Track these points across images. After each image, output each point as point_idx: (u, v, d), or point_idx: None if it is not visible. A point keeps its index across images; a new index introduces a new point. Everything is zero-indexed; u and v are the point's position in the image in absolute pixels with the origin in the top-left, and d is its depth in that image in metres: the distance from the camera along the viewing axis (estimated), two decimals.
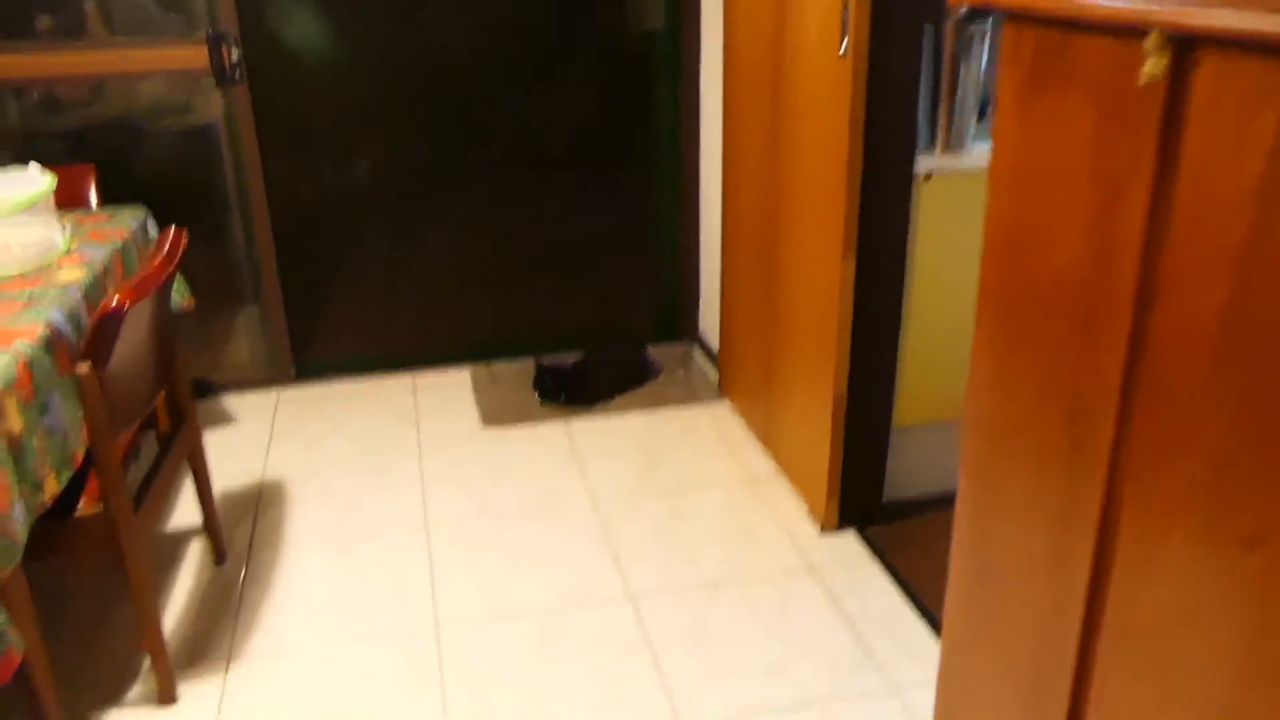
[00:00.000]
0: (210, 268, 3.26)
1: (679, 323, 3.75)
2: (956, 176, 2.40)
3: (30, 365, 1.69)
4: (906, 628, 2.25)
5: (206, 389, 3.39)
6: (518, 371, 3.53)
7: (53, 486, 1.71)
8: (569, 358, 3.39)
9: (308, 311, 3.43)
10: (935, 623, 2.28)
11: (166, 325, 2.15)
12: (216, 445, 3.08)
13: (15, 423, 1.61)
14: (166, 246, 1.98)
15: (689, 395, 3.34)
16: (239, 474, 2.92)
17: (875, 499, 2.66)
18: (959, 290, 2.51)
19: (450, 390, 3.42)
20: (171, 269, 1.93)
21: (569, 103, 3.40)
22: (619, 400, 3.32)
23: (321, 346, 3.48)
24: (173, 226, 2.04)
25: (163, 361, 2.13)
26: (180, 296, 2.53)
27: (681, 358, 3.64)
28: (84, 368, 1.72)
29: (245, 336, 3.42)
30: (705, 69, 3.28)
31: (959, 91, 2.38)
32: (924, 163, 2.37)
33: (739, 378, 3.16)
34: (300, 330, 3.43)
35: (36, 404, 1.70)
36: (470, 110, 3.32)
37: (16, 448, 1.61)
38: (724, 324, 3.25)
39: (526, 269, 3.55)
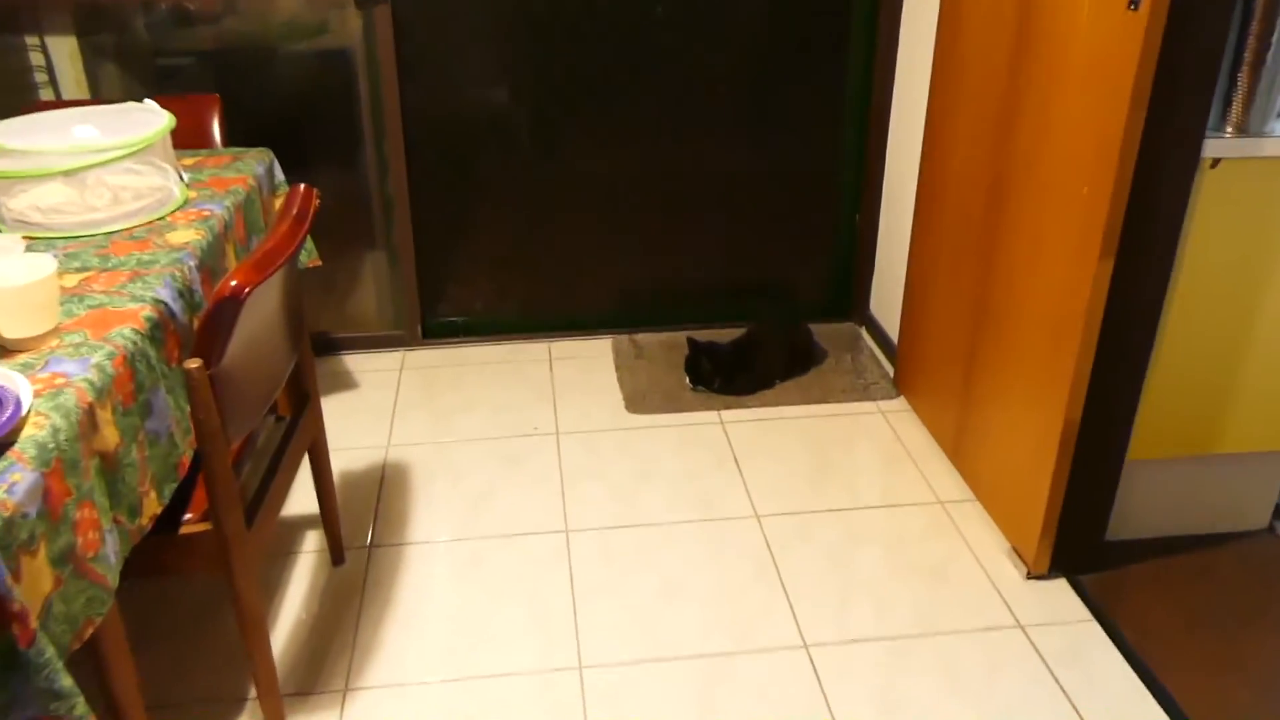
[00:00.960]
0: (337, 207, 2.99)
1: (847, 299, 3.37)
2: (1252, 165, 1.95)
3: (131, 360, 1.39)
4: (1140, 714, 1.88)
5: (325, 345, 3.14)
6: (663, 344, 3.20)
7: (152, 505, 1.43)
8: (724, 335, 3.05)
9: (439, 262, 3.14)
10: (1173, 708, 1.90)
11: (293, 302, 1.85)
12: (336, 414, 2.82)
13: (110, 437, 1.31)
14: (296, 208, 1.65)
15: (859, 388, 2.97)
16: (360, 451, 2.66)
17: (1095, 542, 2.28)
18: (1235, 304, 2.07)
19: (590, 363, 3.11)
20: (301, 238, 1.61)
21: (741, 39, 2.99)
22: (778, 387, 2.96)
23: (452, 303, 3.21)
24: (303, 186, 1.72)
25: (288, 345, 1.83)
26: (307, 256, 2.23)
27: (848, 340, 3.25)
28: (194, 364, 1.42)
29: (370, 287, 3.16)
30: (911, 4, 2.84)
31: (1269, 60, 1.89)
32: (1210, 146, 1.92)
33: (924, 374, 2.77)
34: (430, 283, 3.16)
35: (138, 406, 1.40)
36: (630, 41, 2.94)
37: (112, 466, 1.32)
38: (908, 309, 2.86)
39: (680, 227, 3.21)
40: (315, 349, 3.05)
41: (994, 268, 2.32)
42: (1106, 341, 2.02)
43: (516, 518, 2.40)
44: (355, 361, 3.12)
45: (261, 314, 1.62)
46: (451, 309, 3.22)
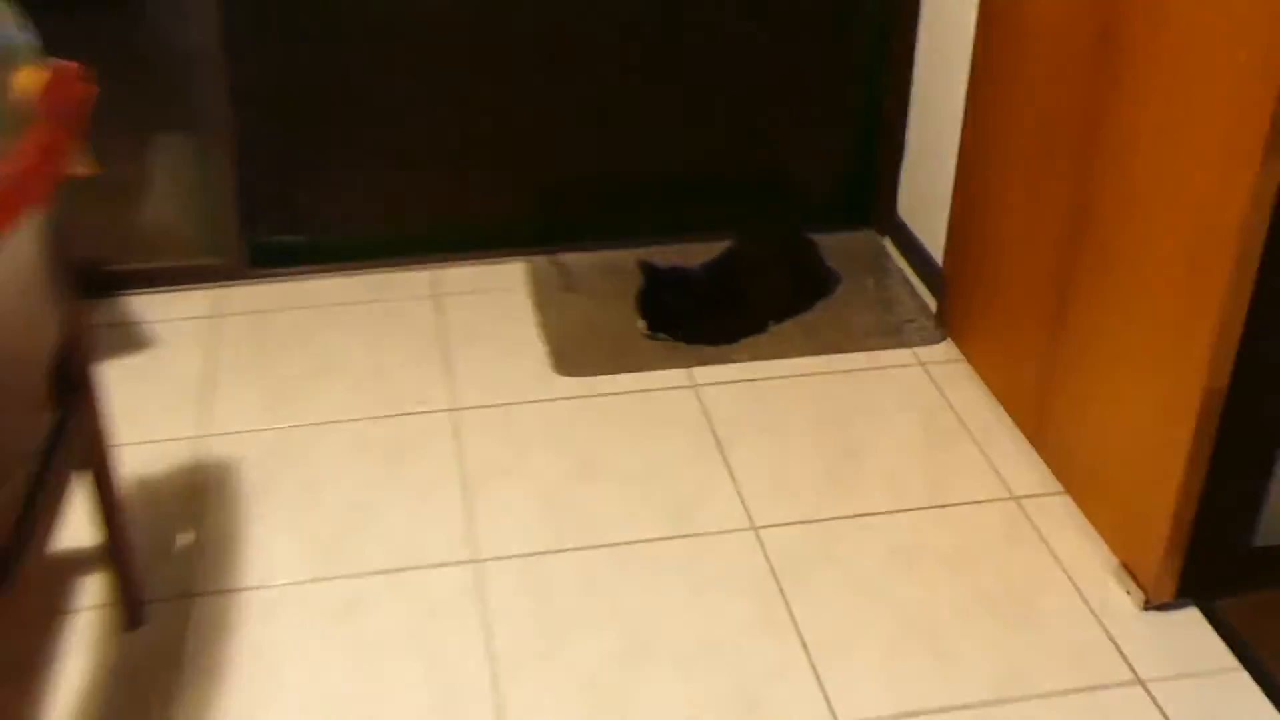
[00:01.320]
0: (115, 73, 2.86)
1: (866, 198, 3.42)
2: None
3: None
4: None
5: (100, 282, 3.09)
6: (604, 269, 3.24)
7: None
8: (691, 254, 3.09)
9: (272, 154, 3.14)
10: None
11: (54, 242, 1.79)
12: (121, 391, 2.70)
13: None
14: (57, 106, 1.60)
15: (889, 329, 3.04)
16: (160, 446, 2.62)
17: (1238, 554, 2.32)
18: None
19: (496, 299, 3.15)
20: (65, 152, 1.55)
21: None
22: (773, 331, 3.03)
23: (291, 215, 3.24)
24: (66, 65, 1.68)
25: (48, 311, 1.78)
26: (76, 162, 2.11)
27: (868, 258, 3.33)
28: None
29: (168, 193, 3.17)
30: None
31: None
32: None
33: (985, 310, 2.83)
34: (259, 186, 3.14)
35: None
36: None
37: None
38: (960, 214, 2.92)
39: (628, 97, 3.24)
40: (86, 288, 2.96)
41: (1100, 159, 2.34)
42: (1267, 276, 2.02)
43: (402, 543, 2.38)
44: (148, 306, 3.09)
45: (7, 273, 1.53)
46: (291, 223, 3.24)
